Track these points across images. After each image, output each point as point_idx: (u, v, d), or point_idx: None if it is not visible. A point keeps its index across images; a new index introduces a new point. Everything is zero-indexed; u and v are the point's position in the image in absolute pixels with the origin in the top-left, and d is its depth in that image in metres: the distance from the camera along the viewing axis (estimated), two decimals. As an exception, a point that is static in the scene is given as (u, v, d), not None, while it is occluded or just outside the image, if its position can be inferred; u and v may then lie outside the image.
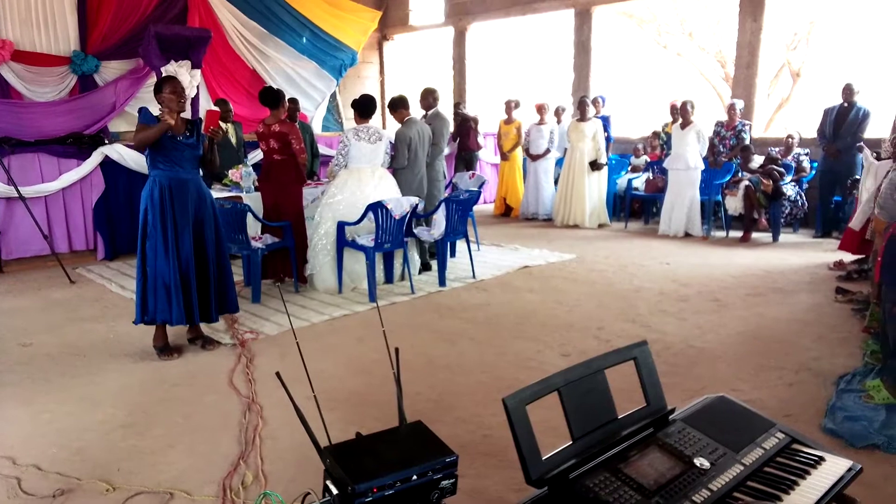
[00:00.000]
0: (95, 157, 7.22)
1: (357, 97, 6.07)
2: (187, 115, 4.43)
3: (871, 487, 2.58)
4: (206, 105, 9.37)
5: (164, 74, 7.81)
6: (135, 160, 7.23)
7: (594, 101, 9.51)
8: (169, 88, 4.13)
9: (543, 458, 1.57)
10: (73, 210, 7.29)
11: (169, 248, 4.17)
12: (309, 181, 7.00)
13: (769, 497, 1.64)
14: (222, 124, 7.32)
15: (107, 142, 7.56)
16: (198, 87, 8.32)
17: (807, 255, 7.19)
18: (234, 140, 7.35)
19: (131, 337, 4.65)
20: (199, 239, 4.31)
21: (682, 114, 8.33)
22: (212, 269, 4.37)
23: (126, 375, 4.10)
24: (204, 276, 4.35)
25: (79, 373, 4.15)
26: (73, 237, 7.35)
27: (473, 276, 6.41)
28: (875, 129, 7.81)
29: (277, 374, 1.42)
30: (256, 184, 6.35)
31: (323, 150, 8.79)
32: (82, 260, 7.31)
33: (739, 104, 8.62)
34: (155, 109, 4.24)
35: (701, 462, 1.70)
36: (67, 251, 7.23)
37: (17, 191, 6.55)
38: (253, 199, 6.21)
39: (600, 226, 9.35)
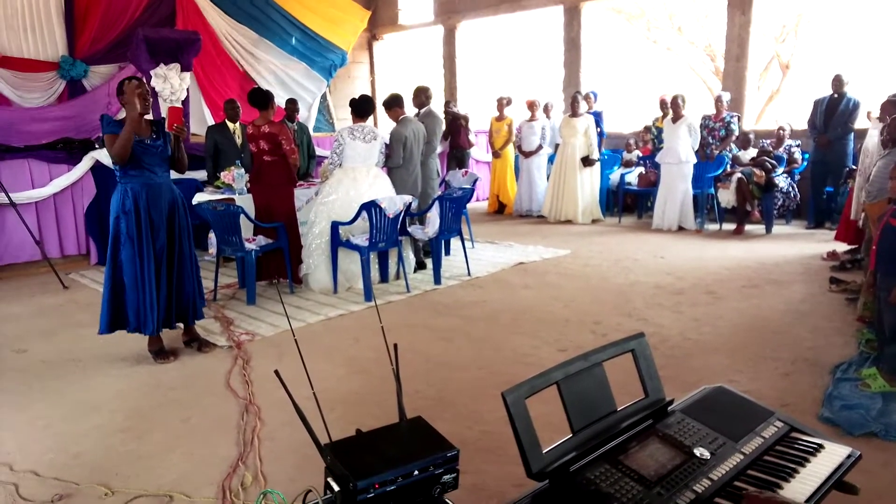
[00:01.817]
0: (86, 162, 7.19)
1: (354, 97, 6.06)
2: (159, 115, 4.36)
3: (870, 474, 2.59)
4: (199, 109, 9.35)
5: (153, 78, 7.80)
6: (126, 164, 7.19)
7: (586, 97, 9.51)
8: (130, 90, 3.98)
9: (544, 452, 1.56)
10: (65, 215, 7.26)
11: (144, 256, 4.10)
12: (302, 182, 6.99)
13: (770, 485, 1.64)
14: (230, 124, 7.31)
15: (97, 146, 7.51)
16: (188, 89, 8.29)
17: (800, 246, 7.22)
18: (238, 141, 7.33)
19: (127, 341, 4.62)
20: (171, 242, 4.25)
21: (672, 108, 8.35)
22: (183, 272, 4.32)
23: (122, 380, 4.08)
24: (173, 281, 4.27)
25: (74, 378, 4.13)
26: (65, 242, 7.32)
27: (468, 274, 6.41)
28: (865, 120, 7.84)
29: (276, 372, 1.42)
30: (248, 185, 6.33)
31: (317, 151, 8.76)
32: (75, 265, 7.28)
33: (726, 96, 8.64)
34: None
35: (701, 452, 1.70)
36: (60, 256, 7.19)
37: (8, 197, 6.50)
38: (245, 201, 6.19)
39: (594, 221, 9.36)
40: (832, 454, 1.80)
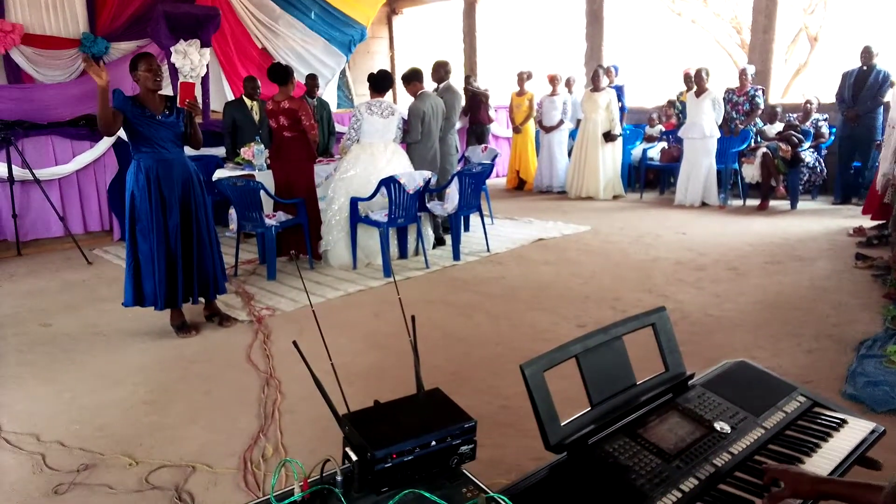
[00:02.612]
0: (107, 139, 7.24)
1: (372, 72, 6.02)
2: (167, 92, 4.33)
3: (894, 450, 2.55)
4: (218, 85, 9.34)
5: (173, 54, 7.80)
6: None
7: (607, 71, 9.37)
8: (144, 66, 3.99)
9: (562, 425, 1.56)
10: (88, 191, 7.35)
11: (157, 231, 4.12)
12: (321, 158, 6.99)
13: (791, 459, 1.62)
14: (248, 101, 7.31)
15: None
16: (207, 65, 8.29)
17: (825, 222, 7.10)
18: (256, 118, 7.33)
19: (149, 316, 4.68)
20: (187, 219, 4.25)
21: (696, 81, 8.20)
22: (202, 248, 4.33)
23: (145, 353, 4.14)
24: (192, 257, 4.29)
25: (98, 352, 4.19)
26: (89, 219, 7.42)
27: (488, 250, 6.39)
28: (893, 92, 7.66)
29: (294, 342, 1.42)
30: (268, 161, 6.34)
31: (336, 127, 8.75)
32: (98, 241, 7.37)
33: (751, 69, 8.46)
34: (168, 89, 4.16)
35: (721, 426, 1.69)
36: (83, 232, 7.29)
37: (32, 174, 6.59)
38: (265, 177, 6.21)
39: (615, 197, 9.28)
40: (855, 429, 1.78)
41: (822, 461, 1.64)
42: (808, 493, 1.39)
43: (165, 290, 4.22)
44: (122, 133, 7.13)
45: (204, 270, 4.39)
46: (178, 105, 4.19)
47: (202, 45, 8.09)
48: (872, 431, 1.77)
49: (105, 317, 4.86)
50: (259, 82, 7.50)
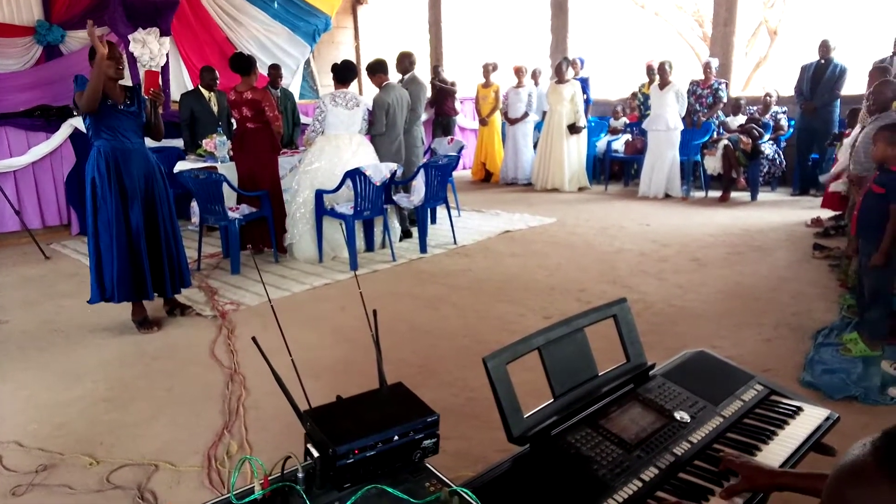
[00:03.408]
0: (64, 130, 7.07)
1: (336, 63, 5.96)
2: (128, 82, 4.25)
3: (850, 437, 2.61)
4: (178, 74, 9.17)
5: (132, 43, 7.63)
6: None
7: (572, 63, 9.42)
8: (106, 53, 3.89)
9: (525, 416, 1.57)
10: (45, 184, 7.15)
11: (115, 221, 4.02)
12: (286, 150, 6.91)
13: (749, 447, 1.66)
14: (206, 92, 7.17)
15: (75, 113, 7.37)
16: (167, 54, 8.13)
17: (785, 213, 7.25)
18: (215, 109, 7.21)
19: (109, 311, 4.59)
20: (151, 212, 4.17)
21: (660, 74, 8.29)
22: (168, 243, 4.26)
23: (105, 350, 4.06)
24: (157, 250, 4.22)
25: (57, 349, 4.10)
26: (46, 212, 7.23)
27: (454, 242, 6.39)
28: (852, 86, 7.84)
29: (253, 338, 1.40)
30: (231, 153, 6.24)
31: (301, 119, 8.65)
32: (56, 235, 7.19)
33: (714, 62, 8.59)
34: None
35: (681, 415, 1.71)
36: (41, 227, 7.11)
37: (-14, 166, 6.40)
38: (228, 169, 6.12)
39: (580, 189, 9.35)
40: (811, 417, 1.82)
41: (779, 448, 1.67)
42: (764, 485, 1.42)
43: (130, 283, 4.13)
44: (79, 124, 7.05)
45: (169, 265, 4.31)
46: (142, 94, 4.10)
47: (161, 34, 7.93)
48: (827, 418, 1.81)
49: (63, 313, 4.76)
50: (217, 73, 7.38)
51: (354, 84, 6.03)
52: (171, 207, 4.34)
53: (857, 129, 5.44)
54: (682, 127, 8.31)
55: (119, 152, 4.02)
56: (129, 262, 4.10)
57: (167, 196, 4.28)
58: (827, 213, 6.54)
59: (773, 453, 1.64)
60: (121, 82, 4.07)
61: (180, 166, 6.40)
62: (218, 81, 7.37)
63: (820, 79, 7.82)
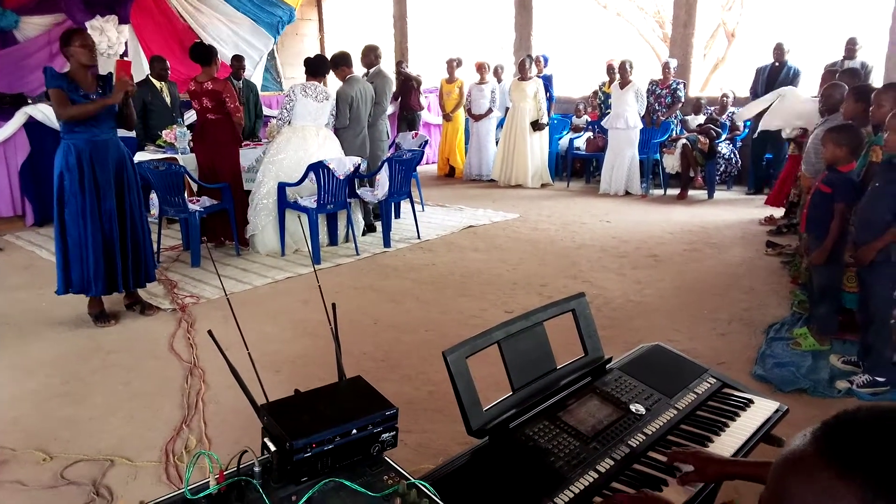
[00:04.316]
0: (18, 118, 6.85)
1: (309, 56, 5.95)
2: (103, 71, 4.21)
3: (798, 428, 2.69)
4: (137, 63, 8.96)
5: (89, 30, 7.44)
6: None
7: (536, 60, 9.48)
8: (79, 41, 3.86)
9: (484, 410, 1.59)
10: (-3, 174, 6.94)
11: (89, 214, 3.98)
12: (248, 142, 6.82)
13: (701, 438, 1.71)
14: (157, 82, 7.02)
15: (30, 101, 7.17)
16: (126, 43, 7.95)
17: (739, 212, 7.43)
18: (168, 99, 7.07)
19: (65, 304, 4.49)
20: (121, 202, 4.12)
21: (620, 73, 8.39)
22: (136, 233, 4.21)
23: (60, 344, 3.97)
24: (125, 242, 4.17)
25: (9, 342, 4.00)
26: (-1, 203, 7.02)
27: (418, 237, 6.40)
28: (805, 87, 8.05)
29: (210, 332, 1.39)
30: (191, 144, 6.14)
31: (264, 111, 8.55)
32: (10, 226, 6.99)
33: (673, 63, 8.73)
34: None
35: (636, 408, 1.76)
36: (-7, 217, 6.90)
37: (-66, 154, 6.19)
38: (188, 161, 6.02)
39: (543, 185, 9.43)
40: (761, 409, 1.88)
41: (730, 439, 1.73)
42: (714, 474, 1.47)
43: (104, 275, 4.08)
44: (33, 113, 6.86)
45: (136, 256, 4.25)
46: (112, 83, 4.02)
47: (120, 22, 7.75)
48: (777, 410, 1.88)
49: (17, 305, 4.64)
50: (168, 62, 7.23)
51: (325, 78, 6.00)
52: (140, 197, 4.31)
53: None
54: (641, 126, 8.44)
55: (91, 144, 3.97)
56: (103, 254, 4.05)
57: (137, 185, 4.25)
58: (779, 212, 6.72)
59: (725, 444, 1.70)
60: (91, 71, 4.02)
61: (139, 157, 6.25)
62: (169, 71, 7.22)
63: (774, 80, 8.00)
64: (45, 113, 6.95)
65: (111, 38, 7.62)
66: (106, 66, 6.62)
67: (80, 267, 4.06)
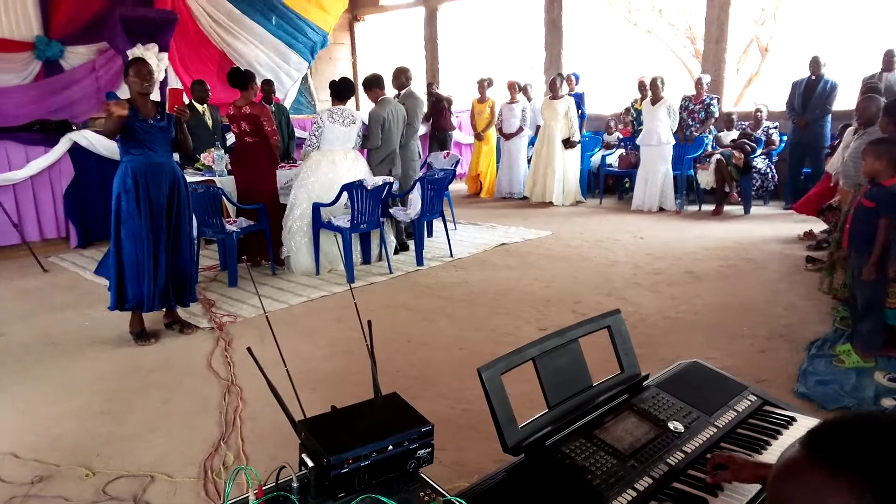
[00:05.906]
0: (63, 144, 7.08)
1: (334, 80, 6.04)
2: (156, 97, 4.39)
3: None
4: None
5: (129, 58, 7.67)
6: (105, 146, 7.10)
7: (567, 79, 9.50)
8: (133, 71, 4.08)
9: (520, 427, 1.58)
10: (43, 198, 7.16)
11: (145, 233, 4.13)
12: (283, 163, 6.94)
13: (741, 457, 1.68)
14: (199, 106, 7.21)
15: (74, 128, 7.40)
16: (166, 70, 8.18)
17: (777, 227, 7.30)
18: (210, 122, 7.25)
19: (107, 324, 4.60)
20: (175, 223, 4.27)
21: (651, 90, 8.37)
22: (182, 253, 4.35)
23: (102, 362, 4.06)
24: (176, 261, 4.32)
25: (54, 361, 4.10)
26: (44, 225, 7.23)
27: (451, 255, 6.42)
28: (842, 101, 7.92)
29: (249, 349, 1.42)
30: (229, 167, 6.28)
31: (296, 132, 8.70)
32: (54, 248, 7.19)
33: (706, 78, 8.67)
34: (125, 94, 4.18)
35: (675, 425, 1.73)
36: (39, 240, 7.11)
37: (-16, 179, 6.42)
38: (226, 183, 6.15)
39: (575, 203, 9.39)
40: (804, 427, 1.83)
41: (772, 458, 1.69)
42: (749, 477, 1.47)
43: (157, 292, 4.22)
44: (77, 139, 7.08)
45: (182, 276, 4.39)
46: (167, 111, 4.21)
47: (160, 50, 7.98)
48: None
49: (61, 326, 4.76)
50: (208, 86, 7.43)
51: (352, 100, 6.08)
52: (190, 219, 4.46)
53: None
54: (673, 142, 8.38)
55: (147, 167, 4.13)
56: (156, 273, 4.20)
57: (188, 207, 4.42)
58: (818, 227, 6.59)
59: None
60: (151, 97, 4.21)
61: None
62: (210, 95, 7.41)
63: (811, 94, 7.90)
64: (88, 139, 7.18)
65: (151, 65, 7.83)
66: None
67: (135, 284, 4.19)
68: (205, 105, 7.29)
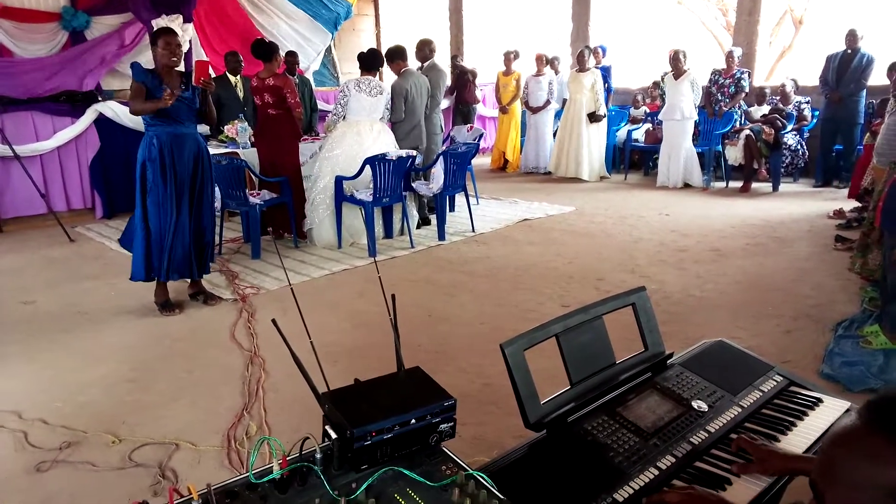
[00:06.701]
0: (89, 115, 7.15)
1: (363, 51, 5.99)
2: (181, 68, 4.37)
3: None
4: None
5: (154, 29, 7.66)
6: (130, 117, 7.13)
7: (594, 52, 9.33)
8: (162, 43, 4.05)
9: (542, 403, 1.57)
10: (70, 168, 7.25)
11: (170, 203, 4.16)
12: (306, 136, 6.93)
13: (767, 438, 1.65)
14: (231, 77, 7.21)
15: (100, 99, 7.45)
16: (190, 41, 8.17)
17: (806, 205, 7.16)
18: (241, 94, 7.25)
19: (132, 294, 4.67)
20: (198, 194, 4.30)
21: (673, 63, 8.20)
22: (202, 224, 4.38)
23: (128, 332, 4.12)
24: (199, 231, 4.36)
25: (81, 330, 4.17)
26: (71, 196, 7.33)
27: (473, 230, 6.39)
28: (878, 76, 7.70)
29: (273, 321, 1.42)
30: (252, 139, 6.28)
31: (319, 105, 8.68)
32: (81, 219, 7.29)
33: (738, 52, 8.47)
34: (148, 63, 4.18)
35: (699, 404, 1.72)
36: (66, 210, 7.22)
37: (13, 150, 6.49)
38: (249, 155, 6.16)
39: (600, 178, 9.29)
40: (831, 408, 1.81)
41: (798, 439, 1.67)
42: (777, 469, 1.43)
43: (182, 261, 4.27)
44: (103, 110, 7.12)
45: (201, 245, 4.42)
46: (192, 83, 4.23)
47: (184, 21, 7.96)
48: (847, 410, 1.80)
49: (87, 295, 4.83)
50: (241, 57, 7.41)
51: (378, 72, 6.04)
52: (213, 192, 4.48)
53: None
54: (696, 117, 8.22)
55: (172, 137, 4.15)
56: (182, 242, 4.24)
57: (211, 178, 4.44)
58: (848, 205, 6.45)
59: (792, 444, 1.64)
60: (176, 68, 4.20)
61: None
62: (242, 66, 7.41)
63: (846, 69, 7.69)
64: (114, 110, 7.23)
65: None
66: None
67: (161, 253, 4.23)
68: (237, 76, 7.29)
